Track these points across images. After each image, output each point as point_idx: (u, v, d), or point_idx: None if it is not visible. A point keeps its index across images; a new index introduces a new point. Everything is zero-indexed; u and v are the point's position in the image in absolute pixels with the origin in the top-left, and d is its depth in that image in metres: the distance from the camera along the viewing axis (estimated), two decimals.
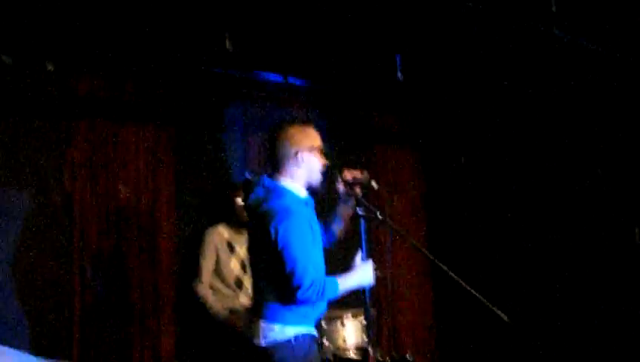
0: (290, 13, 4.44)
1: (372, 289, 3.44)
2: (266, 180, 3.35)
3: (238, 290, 4.73)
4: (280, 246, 3.12)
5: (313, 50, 5.06)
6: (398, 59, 5.19)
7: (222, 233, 4.80)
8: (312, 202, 3.42)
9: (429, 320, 6.50)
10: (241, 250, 4.75)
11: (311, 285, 3.13)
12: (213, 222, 4.84)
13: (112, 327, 4.66)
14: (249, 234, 3.46)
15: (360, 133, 6.24)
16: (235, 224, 4.78)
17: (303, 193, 3.36)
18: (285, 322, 3.24)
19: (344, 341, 4.35)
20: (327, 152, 3.41)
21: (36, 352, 3.71)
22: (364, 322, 3.82)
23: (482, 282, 6.09)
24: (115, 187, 4.82)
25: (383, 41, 5.01)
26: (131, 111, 4.96)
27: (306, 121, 3.51)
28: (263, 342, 3.25)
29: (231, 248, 4.76)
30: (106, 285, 4.69)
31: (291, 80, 5.49)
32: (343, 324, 4.36)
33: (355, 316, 4.38)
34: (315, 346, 3.37)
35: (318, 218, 3.43)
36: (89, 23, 4.25)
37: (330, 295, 3.25)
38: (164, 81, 5.04)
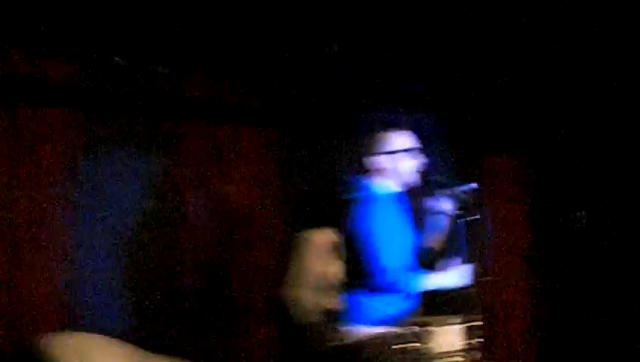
0: (401, 16, 4.47)
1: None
2: (357, 179, 3.50)
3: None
4: (361, 235, 3.31)
5: (425, 56, 5.07)
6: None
7: (331, 236, 4.81)
8: (402, 198, 3.52)
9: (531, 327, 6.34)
10: None
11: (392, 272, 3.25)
12: (322, 225, 4.87)
13: (211, 323, 4.77)
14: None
15: (472, 142, 6.18)
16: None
17: (389, 190, 3.50)
18: (364, 322, 3.30)
19: (448, 345, 4.30)
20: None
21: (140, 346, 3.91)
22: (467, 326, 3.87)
23: (592, 294, 6.09)
24: (222, 187, 4.95)
25: (492, 48, 4.98)
26: (239, 113, 5.09)
27: (397, 126, 3.57)
28: (341, 342, 3.35)
29: (339, 252, 4.76)
30: (209, 282, 4.82)
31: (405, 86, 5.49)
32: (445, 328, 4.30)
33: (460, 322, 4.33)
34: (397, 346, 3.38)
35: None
36: (197, 26, 4.41)
37: (413, 286, 3.32)
38: (271, 83, 5.13)
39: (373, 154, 3.52)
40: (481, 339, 4.26)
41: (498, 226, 6.17)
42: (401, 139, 3.54)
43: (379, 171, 3.51)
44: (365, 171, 3.54)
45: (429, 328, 4.21)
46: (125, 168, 4.61)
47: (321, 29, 4.60)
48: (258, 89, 5.11)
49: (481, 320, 5.59)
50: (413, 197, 3.59)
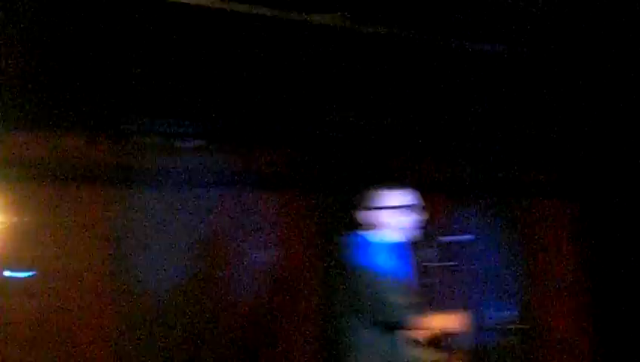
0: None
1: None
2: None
3: None
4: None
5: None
6: None
7: None
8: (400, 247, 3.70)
9: None
10: None
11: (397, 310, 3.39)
12: None
13: None
14: None
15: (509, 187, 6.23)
16: None
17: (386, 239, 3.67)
18: None
19: None
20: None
21: None
22: None
23: None
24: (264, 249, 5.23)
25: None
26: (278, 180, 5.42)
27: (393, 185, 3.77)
28: None
29: None
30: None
31: None
32: None
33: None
34: None
35: None
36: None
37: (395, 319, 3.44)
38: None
39: (371, 208, 3.69)
40: None
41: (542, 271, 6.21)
42: (399, 196, 3.71)
43: (374, 225, 3.68)
44: (364, 225, 3.71)
45: None
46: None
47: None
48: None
49: None
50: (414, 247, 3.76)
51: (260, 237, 5.26)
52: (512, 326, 5.35)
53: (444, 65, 4.97)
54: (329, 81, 4.95)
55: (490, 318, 5.22)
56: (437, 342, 3.81)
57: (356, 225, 3.74)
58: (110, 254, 4.80)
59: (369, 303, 3.44)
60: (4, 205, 4.61)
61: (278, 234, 5.33)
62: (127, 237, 4.85)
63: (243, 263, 5.16)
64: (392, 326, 3.48)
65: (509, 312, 5.51)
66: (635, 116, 5.71)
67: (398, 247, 3.70)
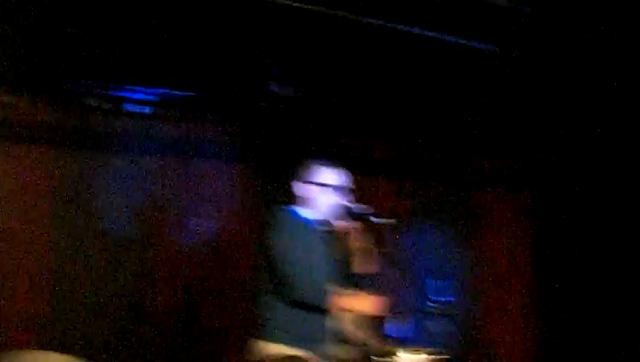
0: None
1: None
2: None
3: None
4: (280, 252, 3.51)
5: None
6: None
7: None
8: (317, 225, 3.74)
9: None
10: None
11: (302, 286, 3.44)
12: None
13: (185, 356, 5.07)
14: None
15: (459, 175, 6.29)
16: None
17: (310, 216, 3.71)
18: (275, 341, 3.50)
19: None
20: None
21: None
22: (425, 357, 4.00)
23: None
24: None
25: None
26: None
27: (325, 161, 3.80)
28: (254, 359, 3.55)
29: None
30: None
31: None
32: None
33: (414, 351, 4.41)
34: None
35: None
36: None
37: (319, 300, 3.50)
38: None
39: (302, 181, 3.74)
40: None
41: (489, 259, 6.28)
42: (331, 175, 3.74)
43: (303, 198, 3.73)
44: (293, 196, 3.76)
45: (395, 358, 4.35)
46: None
47: None
48: None
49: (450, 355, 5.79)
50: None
51: (202, 206, 5.29)
52: (450, 312, 5.40)
53: (402, 47, 4.95)
54: (279, 53, 4.94)
55: (430, 303, 5.24)
56: (359, 324, 3.87)
57: (291, 199, 3.78)
58: (49, 214, 4.83)
59: (283, 280, 3.49)
60: None
61: (219, 203, 5.36)
62: (67, 199, 4.89)
63: (182, 231, 5.18)
64: (307, 306, 3.54)
65: (448, 298, 5.57)
66: (589, 106, 5.72)
67: (322, 225, 3.75)
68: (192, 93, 5.11)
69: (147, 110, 5.09)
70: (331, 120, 5.58)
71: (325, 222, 3.78)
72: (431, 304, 4.99)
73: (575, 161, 6.36)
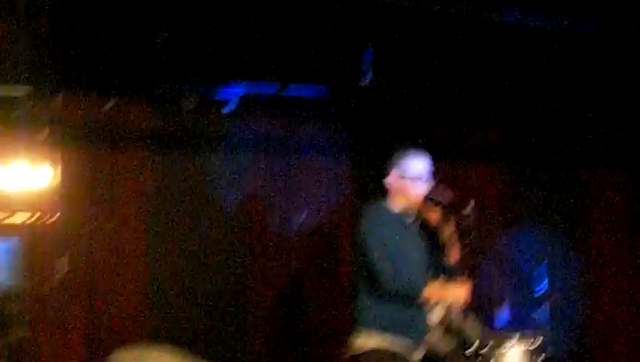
0: None
1: None
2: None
3: None
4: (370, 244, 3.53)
5: None
6: None
7: None
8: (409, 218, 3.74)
9: None
10: None
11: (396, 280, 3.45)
12: None
13: (285, 347, 5.11)
14: None
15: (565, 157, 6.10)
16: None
17: (401, 208, 3.71)
18: (369, 334, 3.51)
19: None
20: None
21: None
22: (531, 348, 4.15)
23: None
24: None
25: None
26: None
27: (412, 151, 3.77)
28: (352, 352, 3.60)
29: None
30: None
31: None
32: (505, 350, 4.31)
33: (521, 341, 4.33)
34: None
35: None
36: None
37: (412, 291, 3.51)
38: None
39: (392, 174, 3.70)
40: None
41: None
42: (419, 165, 3.71)
43: (394, 191, 3.70)
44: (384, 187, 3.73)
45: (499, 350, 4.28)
46: None
47: None
48: None
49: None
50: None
51: (303, 201, 5.32)
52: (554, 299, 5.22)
53: (485, 35, 4.83)
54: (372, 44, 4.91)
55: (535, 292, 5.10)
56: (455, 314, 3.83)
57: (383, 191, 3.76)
58: (149, 213, 4.97)
59: (376, 274, 3.49)
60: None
61: (320, 198, 5.37)
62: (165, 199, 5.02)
63: (284, 226, 5.24)
64: (402, 298, 3.52)
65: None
66: None
67: (412, 217, 3.72)
68: (287, 89, 5.11)
69: (243, 108, 5.13)
70: (425, 108, 5.52)
71: (416, 214, 3.75)
72: (536, 292, 4.85)
73: None
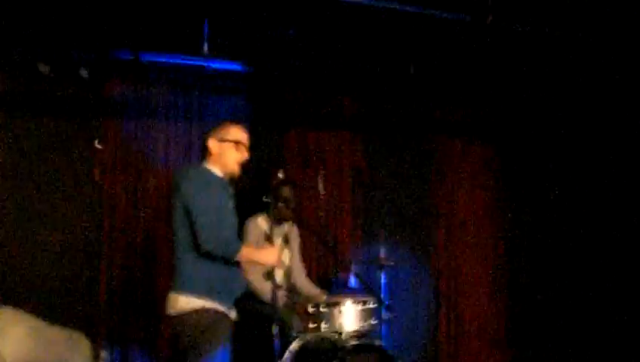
0: None
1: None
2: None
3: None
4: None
5: None
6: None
7: (260, 224, 5.10)
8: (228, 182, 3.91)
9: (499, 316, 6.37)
10: (277, 241, 5.00)
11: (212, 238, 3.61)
12: (253, 213, 5.15)
13: (135, 313, 5.15)
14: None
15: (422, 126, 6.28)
16: (273, 216, 4.85)
17: (221, 173, 3.87)
18: (193, 294, 3.64)
19: (342, 326, 4.47)
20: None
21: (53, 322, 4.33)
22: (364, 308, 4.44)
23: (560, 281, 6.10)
24: None
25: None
26: None
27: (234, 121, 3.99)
28: (172, 312, 3.66)
29: (268, 239, 4.99)
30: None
31: None
32: (340, 311, 4.50)
33: (355, 303, 4.53)
34: (223, 321, 3.69)
35: None
36: None
37: (230, 252, 3.67)
38: None
39: (216, 139, 3.85)
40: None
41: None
42: (236, 131, 3.87)
43: (215, 155, 3.84)
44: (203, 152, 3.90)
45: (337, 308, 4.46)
46: None
47: None
48: None
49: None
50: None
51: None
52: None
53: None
54: None
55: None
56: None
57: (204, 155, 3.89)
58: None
59: (197, 233, 3.61)
60: None
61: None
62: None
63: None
64: (217, 257, 3.66)
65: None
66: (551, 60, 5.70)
67: (232, 181, 3.89)
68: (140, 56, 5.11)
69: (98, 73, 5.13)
70: (277, 76, 5.63)
71: (234, 178, 3.90)
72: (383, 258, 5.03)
73: (539, 114, 6.39)
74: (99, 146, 5.07)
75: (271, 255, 3.92)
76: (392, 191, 6.06)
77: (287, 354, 4.23)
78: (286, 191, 4.89)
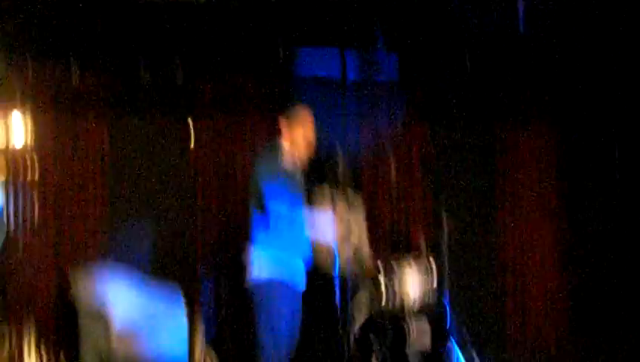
0: None
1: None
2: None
3: None
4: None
5: None
6: None
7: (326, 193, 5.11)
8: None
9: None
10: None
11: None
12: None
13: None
14: None
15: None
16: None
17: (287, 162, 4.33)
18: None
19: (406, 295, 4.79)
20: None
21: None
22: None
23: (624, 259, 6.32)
24: None
25: None
26: None
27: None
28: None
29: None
30: None
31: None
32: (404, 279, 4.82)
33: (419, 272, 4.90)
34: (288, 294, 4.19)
35: None
36: None
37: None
38: None
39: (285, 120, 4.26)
40: None
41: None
42: (304, 113, 4.24)
43: (284, 136, 4.24)
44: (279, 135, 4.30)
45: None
46: None
47: None
48: None
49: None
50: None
51: None
52: None
53: None
54: None
55: None
56: None
57: None
58: None
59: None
60: None
61: None
62: None
63: None
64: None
65: None
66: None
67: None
68: None
69: None
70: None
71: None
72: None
73: (601, 96, 6.56)
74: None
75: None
76: (458, 173, 6.43)
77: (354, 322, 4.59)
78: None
